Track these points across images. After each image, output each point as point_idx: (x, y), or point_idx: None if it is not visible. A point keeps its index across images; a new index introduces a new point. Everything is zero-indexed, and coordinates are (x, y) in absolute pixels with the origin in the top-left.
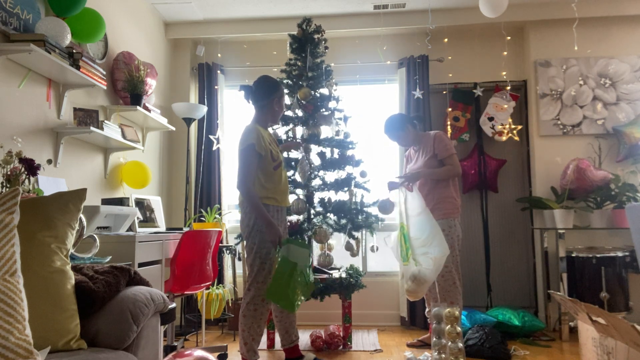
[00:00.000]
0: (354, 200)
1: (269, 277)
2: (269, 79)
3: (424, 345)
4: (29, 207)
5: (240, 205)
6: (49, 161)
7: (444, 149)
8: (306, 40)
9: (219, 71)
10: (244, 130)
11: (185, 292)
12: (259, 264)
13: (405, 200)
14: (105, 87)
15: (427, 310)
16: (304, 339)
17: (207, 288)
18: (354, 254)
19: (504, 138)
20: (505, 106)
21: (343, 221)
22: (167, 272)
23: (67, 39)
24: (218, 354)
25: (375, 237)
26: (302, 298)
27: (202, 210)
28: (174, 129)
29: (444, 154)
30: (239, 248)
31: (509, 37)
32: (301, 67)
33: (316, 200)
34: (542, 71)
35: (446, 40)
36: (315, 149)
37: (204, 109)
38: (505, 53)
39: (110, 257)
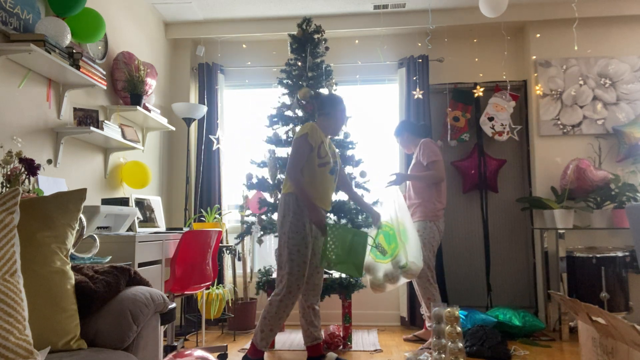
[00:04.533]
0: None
1: (299, 270)
2: (335, 96)
3: (419, 340)
4: (29, 207)
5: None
6: (49, 161)
7: (427, 156)
8: (306, 40)
9: (219, 71)
10: (302, 126)
11: (185, 292)
12: (287, 254)
13: (393, 201)
14: (105, 87)
15: (421, 307)
16: None
17: (207, 288)
18: None
19: (504, 138)
20: (505, 106)
21: (343, 221)
22: (167, 272)
23: (67, 39)
24: (218, 354)
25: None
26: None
27: (202, 210)
28: (174, 129)
29: (426, 160)
30: (239, 248)
31: (509, 37)
32: (301, 67)
33: None
34: (542, 71)
35: (446, 40)
36: None
37: (204, 109)
38: (505, 53)
39: (110, 257)
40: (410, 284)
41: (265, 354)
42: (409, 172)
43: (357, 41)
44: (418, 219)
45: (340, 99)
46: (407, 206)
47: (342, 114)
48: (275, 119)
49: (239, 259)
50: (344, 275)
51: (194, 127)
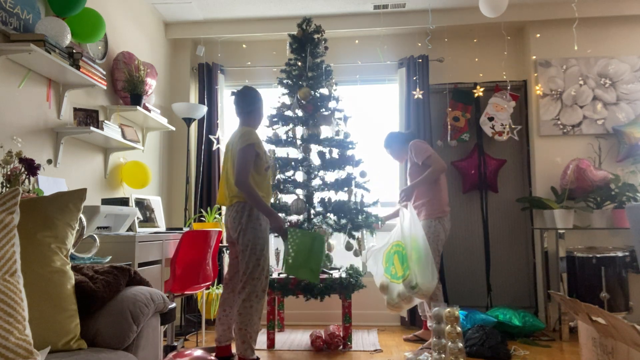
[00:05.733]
0: (354, 200)
1: (263, 273)
2: (255, 89)
3: (419, 340)
4: (29, 207)
5: (230, 202)
6: (49, 161)
7: (419, 154)
8: (306, 40)
9: (219, 71)
10: (241, 132)
11: (185, 292)
12: (254, 261)
13: (405, 219)
14: (105, 87)
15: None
16: (304, 339)
17: (207, 288)
18: (357, 254)
19: (504, 138)
20: (505, 106)
21: (343, 221)
22: (167, 272)
23: (67, 39)
24: None
25: (375, 237)
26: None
27: (202, 210)
28: (174, 129)
29: (421, 158)
30: None
31: (509, 37)
32: (301, 67)
33: (316, 200)
34: (542, 71)
35: (446, 40)
36: (315, 148)
37: (204, 109)
38: (505, 53)
39: (110, 257)
40: None
41: (265, 354)
42: (407, 176)
43: (357, 41)
44: (423, 219)
45: (259, 93)
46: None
47: (263, 107)
48: (275, 119)
49: None
50: (343, 275)
51: (194, 127)
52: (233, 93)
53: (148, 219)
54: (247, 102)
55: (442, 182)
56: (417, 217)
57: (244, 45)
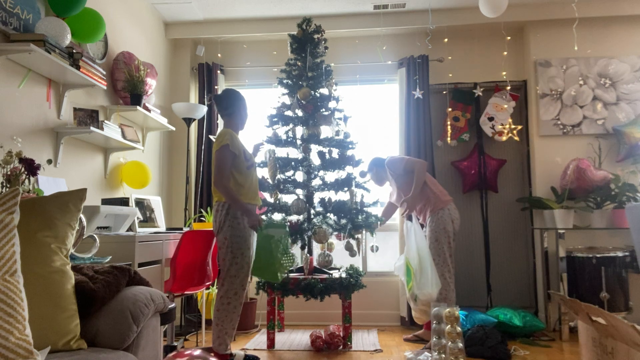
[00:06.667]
0: (354, 200)
1: (242, 271)
2: (234, 90)
3: (420, 340)
4: (29, 207)
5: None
6: (49, 161)
7: (397, 165)
8: (306, 40)
9: (218, 71)
10: (217, 134)
11: (185, 292)
12: (230, 258)
13: (409, 233)
14: (105, 87)
15: None
16: (304, 339)
17: (207, 288)
18: (353, 254)
19: (504, 138)
20: (505, 106)
21: (343, 221)
22: (167, 272)
23: (67, 39)
24: None
25: (375, 237)
26: (287, 267)
27: (202, 210)
28: (174, 129)
29: (400, 167)
30: None
31: (509, 37)
32: (301, 67)
33: (316, 200)
34: (542, 71)
35: (446, 40)
36: (315, 148)
37: (204, 109)
38: (505, 53)
39: (110, 257)
40: None
41: (265, 354)
42: (400, 192)
43: (357, 41)
44: (430, 216)
45: (239, 94)
46: (416, 216)
47: (245, 109)
48: (275, 119)
49: None
50: (343, 275)
51: (194, 127)
52: (211, 97)
53: (148, 219)
54: (224, 104)
55: (427, 179)
56: (420, 225)
57: (244, 46)
